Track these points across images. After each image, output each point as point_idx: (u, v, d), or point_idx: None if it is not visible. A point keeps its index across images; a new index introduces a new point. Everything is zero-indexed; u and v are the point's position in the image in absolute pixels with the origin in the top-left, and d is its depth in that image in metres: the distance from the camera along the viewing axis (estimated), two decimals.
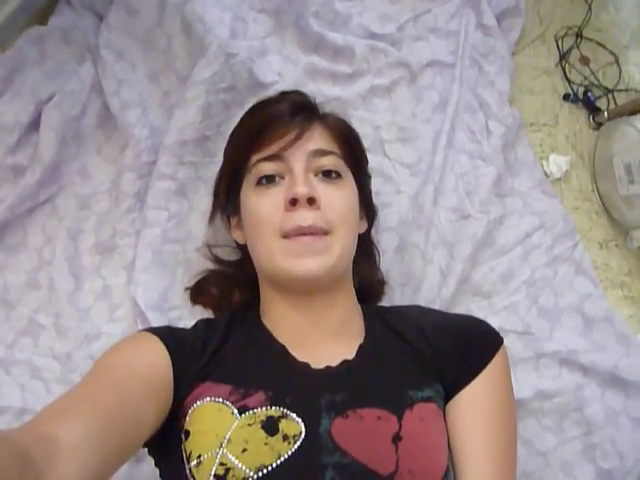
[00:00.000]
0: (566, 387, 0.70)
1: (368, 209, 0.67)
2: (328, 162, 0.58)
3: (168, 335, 0.55)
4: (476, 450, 0.53)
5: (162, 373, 0.52)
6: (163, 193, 0.71)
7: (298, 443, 0.47)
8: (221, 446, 0.47)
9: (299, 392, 0.51)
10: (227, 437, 0.48)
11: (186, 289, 0.71)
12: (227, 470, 0.46)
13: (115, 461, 0.45)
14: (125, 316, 0.70)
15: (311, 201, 0.54)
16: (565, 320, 0.74)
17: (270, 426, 0.48)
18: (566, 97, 0.86)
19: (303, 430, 0.48)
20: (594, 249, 0.81)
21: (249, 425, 0.48)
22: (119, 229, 0.71)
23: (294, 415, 0.49)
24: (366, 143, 0.68)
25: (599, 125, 0.85)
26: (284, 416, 0.49)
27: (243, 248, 0.64)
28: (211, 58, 0.71)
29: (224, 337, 0.57)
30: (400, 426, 0.49)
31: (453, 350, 0.57)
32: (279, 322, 0.58)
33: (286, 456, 0.46)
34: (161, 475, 0.55)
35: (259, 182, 0.58)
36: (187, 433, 0.50)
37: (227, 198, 0.64)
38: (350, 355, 0.56)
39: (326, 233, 0.55)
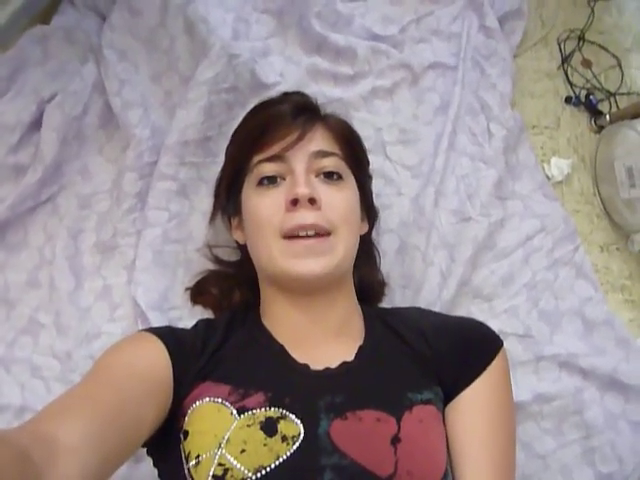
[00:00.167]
0: (566, 390, 0.70)
1: (369, 210, 0.67)
2: (329, 163, 0.58)
3: (168, 335, 0.55)
4: (475, 452, 0.53)
5: (162, 373, 0.52)
6: (164, 193, 0.71)
7: (297, 444, 0.47)
8: (220, 446, 0.47)
9: (298, 393, 0.51)
10: (226, 437, 0.48)
11: (186, 289, 0.71)
12: (226, 470, 0.46)
13: (115, 461, 0.45)
14: (125, 316, 0.70)
15: (312, 202, 0.54)
16: (565, 323, 0.74)
17: (269, 427, 0.48)
18: (568, 100, 0.86)
19: (302, 431, 0.48)
20: (595, 252, 0.80)
21: (248, 426, 0.48)
22: (120, 229, 0.72)
23: (293, 416, 0.49)
24: (367, 145, 0.68)
25: (601, 128, 0.85)
26: (283, 417, 0.49)
27: (243, 248, 0.64)
28: (213, 59, 0.71)
29: (224, 337, 0.57)
30: (399, 428, 0.49)
31: (453, 352, 0.57)
32: (279, 322, 0.58)
33: (285, 457, 0.46)
34: (160, 475, 0.55)
35: (260, 182, 0.58)
36: (186, 433, 0.50)
37: (228, 198, 0.64)
38: (350, 356, 0.56)
39: (328, 233, 0.55)
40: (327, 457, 0.47)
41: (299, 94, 0.65)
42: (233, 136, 0.65)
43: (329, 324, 0.58)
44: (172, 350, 0.53)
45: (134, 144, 0.71)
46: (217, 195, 0.68)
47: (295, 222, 0.54)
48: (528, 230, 0.76)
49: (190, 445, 0.49)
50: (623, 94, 0.86)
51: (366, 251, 0.69)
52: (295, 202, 0.54)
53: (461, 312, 0.73)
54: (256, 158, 0.58)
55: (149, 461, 0.56)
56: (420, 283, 0.72)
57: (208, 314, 0.70)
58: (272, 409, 0.50)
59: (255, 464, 0.46)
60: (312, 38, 0.78)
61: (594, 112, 0.85)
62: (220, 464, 0.46)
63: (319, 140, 0.59)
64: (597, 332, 0.74)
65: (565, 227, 0.77)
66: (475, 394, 0.55)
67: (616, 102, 0.86)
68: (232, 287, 0.68)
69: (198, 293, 0.70)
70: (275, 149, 0.57)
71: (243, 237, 0.63)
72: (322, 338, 0.57)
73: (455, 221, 0.74)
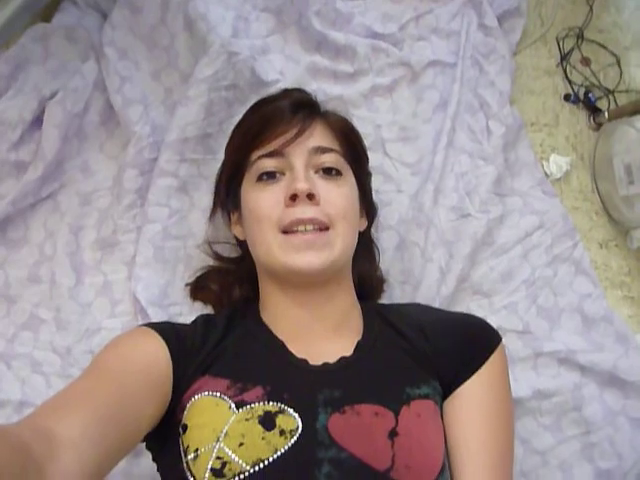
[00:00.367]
0: (565, 386, 0.70)
1: (368, 207, 0.67)
2: (328, 159, 0.58)
3: (168, 330, 0.55)
4: (473, 447, 0.53)
5: (161, 368, 0.52)
6: (164, 190, 0.71)
7: (295, 438, 0.47)
8: (218, 440, 0.47)
9: (297, 388, 0.52)
10: (224, 431, 0.48)
11: (186, 285, 0.71)
12: (224, 464, 0.46)
13: (114, 455, 0.45)
14: (126, 311, 0.71)
15: (311, 197, 0.55)
16: (564, 320, 0.74)
17: (267, 421, 0.48)
18: (567, 98, 0.86)
19: (300, 425, 0.48)
20: (594, 249, 0.80)
21: (246, 420, 0.49)
22: (120, 225, 0.72)
23: (291, 410, 0.49)
24: (367, 142, 0.68)
25: (599, 126, 0.85)
26: (281, 411, 0.49)
27: (243, 244, 0.65)
28: (213, 56, 0.71)
29: (224, 332, 0.57)
30: (397, 422, 0.50)
31: (452, 348, 0.57)
32: (278, 318, 0.59)
33: (283, 450, 0.47)
34: (159, 469, 0.55)
35: (260, 178, 0.58)
36: (185, 427, 0.50)
37: (227, 194, 0.65)
38: (348, 352, 0.56)
39: (327, 228, 0.55)
40: (325, 450, 0.47)
41: (299, 90, 0.66)
42: (233, 132, 0.65)
43: (328, 319, 0.58)
44: (172, 345, 0.53)
45: (134, 141, 0.72)
46: (217, 191, 0.68)
47: (294, 216, 0.54)
48: (527, 227, 0.76)
49: (189, 439, 0.49)
50: (622, 92, 0.86)
51: (365, 247, 0.69)
52: (294, 197, 0.54)
53: (460, 308, 0.73)
54: (256, 154, 0.59)
55: (148, 455, 0.56)
56: (419, 279, 0.73)
57: (208, 310, 0.71)
58: (270, 403, 0.50)
59: (253, 457, 0.46)
60: (312, 36, 0.79)
61: (593, 109, 0.85)
62: (218, 457, 0.47)
63: (318, 136, 0.59)
64: (596, 328, 0.74)
65: (564, 224, 0.77)
66: (473, 389, 0.55)
67: (615, 99, 0.86)
68: (232, 283, 0.69)
69: (198, 289, 0.70)
70: (274, 145, 0.58)
71: (242, 233, 0.63)
72: (321, 333, 0.58)
73: (454, 218, 0.74)
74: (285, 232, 0.55)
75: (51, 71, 0.74)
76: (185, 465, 0.48)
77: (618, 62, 0.87)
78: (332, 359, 0.55)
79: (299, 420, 0.49)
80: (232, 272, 0.69)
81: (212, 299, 0.70)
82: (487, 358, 0.56)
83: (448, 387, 0.56)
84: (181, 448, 0.50)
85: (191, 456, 0.48)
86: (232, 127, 0.66)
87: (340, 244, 0.55)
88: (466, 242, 0.73)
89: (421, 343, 0.57)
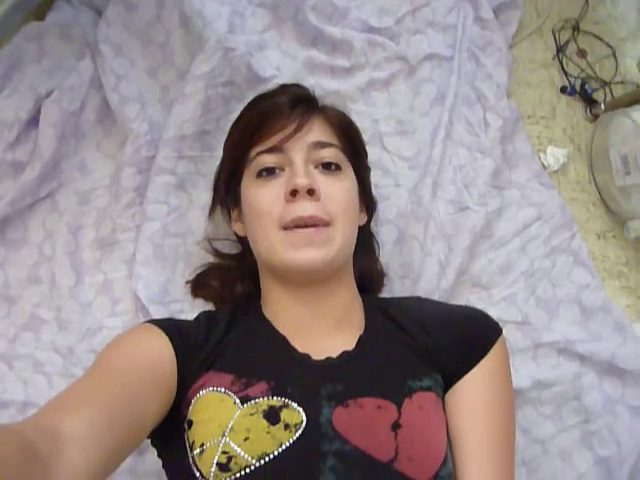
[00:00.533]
0: (564, 376, 0.71)
1: (368, 201, 0.67)
2: (328, 154, 0.58)
3: (171, 327, 0.55)
4: (474, 438, 0.54)
5: (166, 365, 0.52)
6: (163, 187, 0.71)
7: (299, 431, 0.48)
8: (224, 435, 0.48)
9: (300, 383, 0.52)
10: (230, 426, 0.48)
11: (187, 282, 0.71)
12: (230, 458, 0.47)
13: (120, 453, 0.45)
14: (126, 310, 0.71)
15: (311, 192, 0.55)
16: (563, 310, 0.75)
17: (272, 415, 0.49)
18: (563, 90, 0.86)
19: (304, 419, 0.49)
20: (592, 240, 0.81)
21: (251, 414, 0.49)
22: (119, 224, 0.72)
23: (295, 405, 0.50)
24: (365, 136, 0.68)
25: (596, 117, 0.85)
26: (285, 406, 0.50)
27: (243, 241, 0.65)
28: (209, 53, 0.71)
29: (226, 328, 0.58)
30: (399, 414, 0.50)
31: (453, 340, 0.57)
32: (280, 313, 0.59)
33: (287, 444, 0.47)
34: (164, 465, 0.55)
35: (259, 174, 0.58)
36: (190, 422, 0.51)
37: (227, 191, 0.65)
38: (350, 346, 0.56)
39: (327, 224, 0.55)
40: (329, 443, 0.48)
41: (296, 86, 0.66)
42: (231, 129, 0.65)
43: (330, 314, 0.58)
44: (176, 342, 0.54)
45: (132, 139, 0.71)
46: (216, 188, 0.68)
47: (294, 214, 0.54)
48: (525, 219, 0.77)
49: (194, 434, 0.50)
50: (618, 83, 0.87)
51: (365, 242, 0.69)
52: (294, 193, 0.54)
53: (460, 301, 0.74)
54: (255, 150, 0.59)
55: (153, 452, 0.57)
56: (419, 273, 0.73)
57: (209, 307, 0.71)
58: (274, 398, 0.50)
59: (258, 451, 0.47)
60: (308, 31, 0.78)
61: (589, 101, 0.86)
62: (224, 452, 0.47)
63: (317, 131, 0.59)
64: (594, 318, 0.74)
65: (562, 215, 0.78)
66: (474, 381, 0.56)
67: (611, 91, 0.86)
68: (233, 279, 0.69)
69: (199, 286, 0.71)
70: (273, 140, 0.58)
71: (243, 229, 0.63)
72: (323, 328, 0.58)
73: (453, 211, 0.75)
74: (285, 228, 0.55)
75: (46, 70, 0.73)
76: (191, 460, 0.49)
77: (614, 54, 0.87)
78: (334, 354, 0.55)
79: (303, 414, 0.49)
80: (233, 269, 0.70)
81: (213, 296, 0.70)
82: (488, 351, 0.57)
83: (449, 380, 0.56)
84: (187, 444, 0.50)
85: (197, 451, 0.48)
86: (229, 124, 0.66)
87: (340, 240, 0.56)
88: (465, 235, 0.74)
89: (422, 338, 0.58)
